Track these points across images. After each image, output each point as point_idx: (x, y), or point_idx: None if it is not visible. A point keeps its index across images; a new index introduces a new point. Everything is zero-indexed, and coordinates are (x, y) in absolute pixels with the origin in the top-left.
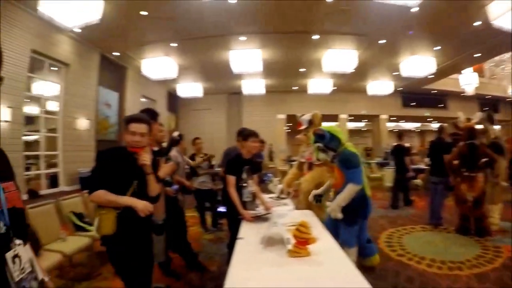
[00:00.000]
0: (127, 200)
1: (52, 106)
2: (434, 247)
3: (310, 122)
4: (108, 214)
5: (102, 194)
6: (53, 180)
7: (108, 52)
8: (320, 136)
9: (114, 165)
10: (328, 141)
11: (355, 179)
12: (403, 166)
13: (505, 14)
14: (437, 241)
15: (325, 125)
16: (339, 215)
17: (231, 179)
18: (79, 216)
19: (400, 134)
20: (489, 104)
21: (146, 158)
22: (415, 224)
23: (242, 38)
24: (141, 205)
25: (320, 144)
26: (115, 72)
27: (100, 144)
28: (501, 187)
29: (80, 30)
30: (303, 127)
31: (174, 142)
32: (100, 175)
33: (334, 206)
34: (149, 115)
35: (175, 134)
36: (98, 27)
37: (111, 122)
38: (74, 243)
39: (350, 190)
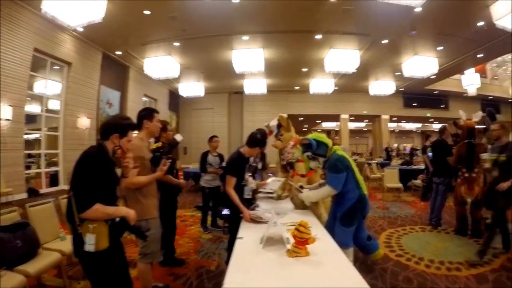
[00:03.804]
0: (123, 210)
1: (54, 105)
2: (433, 247)
3: (279, 126)
4: (101, 227)
5: (100, 208)
6: (53, 179)
7: (110, 51)
8: (307, 145)
9: (102, 170)
10: (315, 148)
11: (333, 184)
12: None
13: (508, 14)
14: (436, 242)
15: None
16: (306, 204)
17: (232, 180)
18: None
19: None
20: (491, 105)
21: (131, 162)
22: (414, 224)
23: (245, 37)
24: (133, 214)
25: (309, 153)
26: (117, 71)
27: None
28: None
29: (82, 29)
30: (274, 134)
31: (175, 145)
32: (92, 185)
33: (306, 196)
34: (145, 114)
35: (179, 138)
36: (100, 26)
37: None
38: None
39: (326, 191)
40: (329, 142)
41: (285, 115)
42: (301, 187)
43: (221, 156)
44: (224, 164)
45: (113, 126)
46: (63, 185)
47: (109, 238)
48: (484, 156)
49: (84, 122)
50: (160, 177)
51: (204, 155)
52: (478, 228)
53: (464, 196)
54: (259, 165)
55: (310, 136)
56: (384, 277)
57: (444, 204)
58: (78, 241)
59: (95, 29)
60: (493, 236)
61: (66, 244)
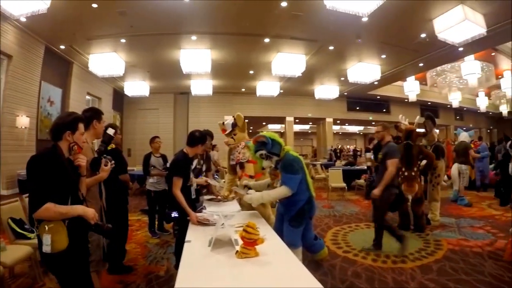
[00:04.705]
0: (78, 209)
1: None
2: None
3: (234, 125)
4: (58, 227)
5: (52, 207)
6: None
7: (53, 45)
8: (262, 143)
9: (56, 171)
10: (270, 147)
11: (290, 184)
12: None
13: (449, 28)
14: None
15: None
16: (254, 205)
17: (179, 181)
18: (19, 222)
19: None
20: (430, 110)
21: (83, 159)
22: (359, 222)
23: (193, 37)
24: (91, 213)
25: (262, 152)
26: (59, 67)
27: (41, 144)
28: (441, 186)
29: (25, 19)
30: (228, 132)
31: (109, 140)
32: (44, 185)
33: (257, 199)
34: (93, 114)
35: (111, 131)
36: (45, 17)
37: (53, 121)
38: (15, 252)
39: (281, 192)
40: (282, 141)
41: (242, 115)
42: (247, 187)
43: (164, 157)
44: (168, 165)
45: (63, 125)
46: (1, 190)
47: (70, 238)
48: (368, 155)
49: (24, 121)
50: (104, 178)
51: (147, 157)
52: (420, 222)
53: (405, 194)
54: (203, 167)
55: (265, 134)
56: (333, 273)
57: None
58: (39, 243)
59: (39, 20)
60: (390, 227)
61: (7, 255)
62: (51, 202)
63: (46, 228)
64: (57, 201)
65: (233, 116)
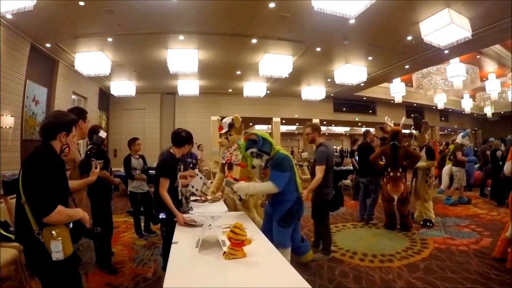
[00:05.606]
0: (80, 212)
1: None
2: (365, 242)
3: (231, 125)
4: (64, 232)
5: (63, 210)
6: None
7: (39, 42)
8: (253, 141)
9: (57, 172)
10: (261, 145)
11: (277, 181)
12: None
13: (435, 31)
14: (367, 237)
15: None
16: (243, 197)
17: (166, 182)
18: (4, 225)
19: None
20: (415, 111)
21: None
22: (346, 221)
23: (181, 37)
24: (87, 216)
25: (253, 150)
26: (45, 66)
27: (26, 145)
28: (433, 186)
29: (11, 17)
30: (224, 131)
31: (101, 143)
32: (53, 187)
33: (243, 188)
34: (78, 114)
35: (104, 134)
36: (31, 14)
37: (38, 120)
38: (0, 255)
39: (266, 187)
40: (272, 140)
41: (240, 117)
42: (235, 179)
43: (143, 158)
44: (147, 165)
45: (59, 125)
46: None
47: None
48: (304, 155)
49: (8, 120)
50: (93, 181)
51: (128, 160)
52: (406, 222)
53: (390, 194)
54: (181, 167)
55: (256, 132)
56: (321, 273)
57: (377, 201)
58: (38, 253)
59: (25, 18)
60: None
61: None
62: (60, 206)
63: (54, 234)
64: (61, 203)
65: (232, 117)
